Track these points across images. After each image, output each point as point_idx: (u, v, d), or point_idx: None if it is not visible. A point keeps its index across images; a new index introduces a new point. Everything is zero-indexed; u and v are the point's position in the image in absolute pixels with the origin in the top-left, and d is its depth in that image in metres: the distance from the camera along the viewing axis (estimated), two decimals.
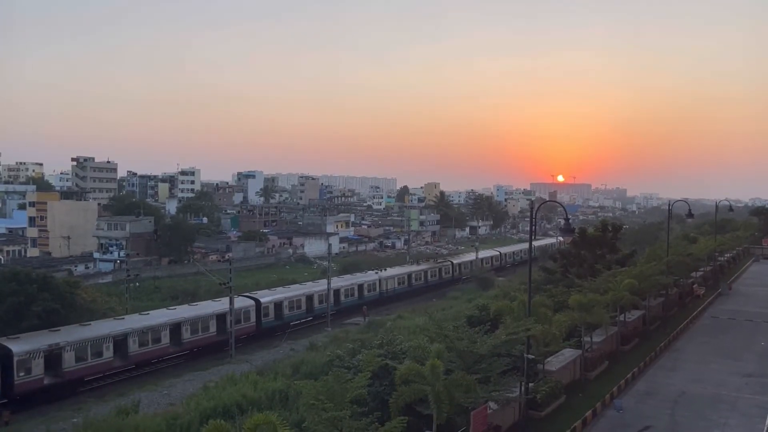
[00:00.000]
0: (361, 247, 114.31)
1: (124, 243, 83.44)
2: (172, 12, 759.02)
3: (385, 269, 68.22)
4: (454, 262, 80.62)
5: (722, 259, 69.10)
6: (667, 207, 52.97)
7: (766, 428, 20.16)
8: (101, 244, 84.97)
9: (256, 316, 48.41)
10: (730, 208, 75.82)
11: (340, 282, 59.78)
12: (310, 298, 54.49)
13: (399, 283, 67.49)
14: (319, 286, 56.97)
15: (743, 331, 40.95)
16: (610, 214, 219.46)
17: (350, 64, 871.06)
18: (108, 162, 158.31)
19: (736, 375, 30.79)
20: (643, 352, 34.08)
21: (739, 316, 45.32)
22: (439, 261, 79.19)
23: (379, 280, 64.37)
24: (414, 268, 72.74)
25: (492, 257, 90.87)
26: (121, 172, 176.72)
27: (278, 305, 51.03)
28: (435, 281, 74.11)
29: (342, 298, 58.46)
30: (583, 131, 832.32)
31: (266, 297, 50.87)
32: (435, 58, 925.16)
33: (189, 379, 37.93)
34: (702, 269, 58.68)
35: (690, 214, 51.14)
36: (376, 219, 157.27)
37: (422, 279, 71.86)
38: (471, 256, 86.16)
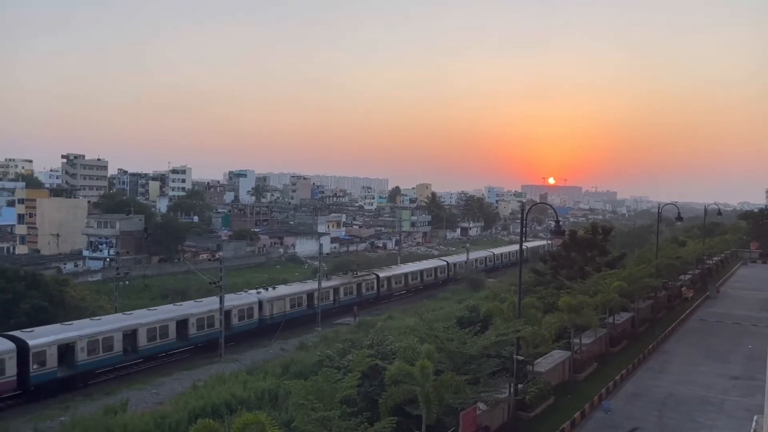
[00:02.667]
0: (353, 248, 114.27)
1: (114, 241, 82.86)
2: (163, 10, 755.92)
3: (274, 287, 54.29)
4: (381, 275, 66.21)
5: (710, 262, 69.57)
6: (657, 210, 53.29)
7: (752, 430, 20.29)
8: (91, 242, 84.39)
9: (20, 367, 33.40)
10: (719, 212, 76.49)
11: (190, 309, 45.08)
12: (131, 334, 39.67)
13: (294, 305, 53.00)
14: (156, 314, 42.71)
15: (731, 333, 41.24)
16: (601, 217, 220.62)
17: (342, 64, 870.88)
18: (98, 159, 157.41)
19: (724, 377, 31.01)
20: (631, 353, 34.26)
21: (727, 318, 45.63)
22: (359, 275, 63.72)
23: (260, 303, 49.72)
24: (324, 284, 57.49)
25: (437, 268, 76.93)
26: (112, 170, 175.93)
27: (68, 348, 36.19)
28: (350, 300, 60.18)
29: (193, 330, 43.90)
30: (574, 134, 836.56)
31: (44, 338, 35.27)
32: (427, 59, 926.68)
33: (178, 378, 37.78)
34: (690, 272, 59.09)
35: (679, 218, 51.46)
36: (368, 219, 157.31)
37: (330, 298, 57.64)
38: (406, 268, 73.45)
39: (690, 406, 26.57)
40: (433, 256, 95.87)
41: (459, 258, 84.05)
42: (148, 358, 41.33)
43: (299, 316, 53.16)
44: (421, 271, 73.69)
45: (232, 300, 47.64)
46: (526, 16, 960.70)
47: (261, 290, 52.08)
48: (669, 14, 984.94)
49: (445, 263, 78.74)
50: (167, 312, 43.51)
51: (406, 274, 70.71)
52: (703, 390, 28.85)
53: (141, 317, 41.48)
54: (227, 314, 46.04)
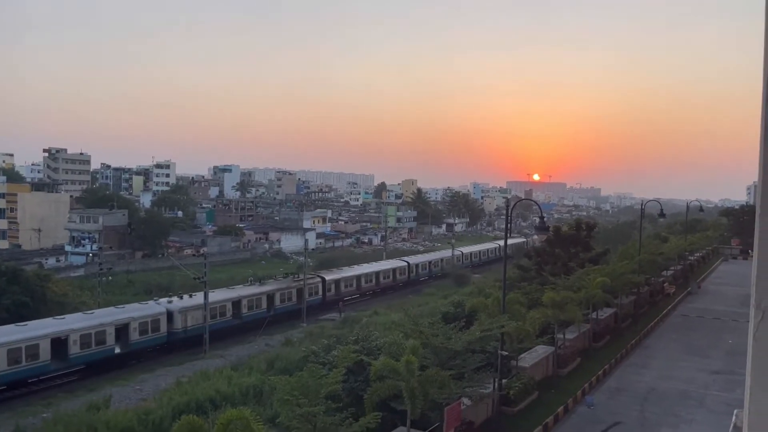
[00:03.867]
0: (338, 243, 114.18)
1: (96, 236, 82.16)
2: (149, 5, 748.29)
3: (191, 295, 46.57)
4: (327, 278, 59.58)
5: (692, 258, 70.38)
6: (640, 207, 53.80)
7: (732, 425, 20.59)
8: (73, 237, 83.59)
9: None
10: (701, 209, 77.42)
11: (73, 324, 38.01)
12: None
13: (215, 316, 46.28)
14: (24, 331, 35.53)
15: (711, 329, 41.77)
16: (585, 213, 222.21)
17: (328, 60, 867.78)
18: (81, 154, 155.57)
19: (704, 372, 31.41)
20: (614, 349, 34.60)
21: (708, 314, 46.19)
22: (299, 279, 55.81)
23: (169, 314, 43.68)
24: (250, 290, 51.42)
25: (395, 269, 70.25)
26: (95, 164, 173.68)
27: None
28: (289, 307, 53.67)
29: (75, 350, 37.43)
30: (559, 131, 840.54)
31: None
32: (413, 56, 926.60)
33: (162, 374, 37.58)
34: (672, 268, 59.75)
35: (662, 214, 52.02)
36: (354, 215, 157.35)
37: (263, 306, 51.31)
38: (359, 269, 66.57)
39: (671, 401, 26.90)
40: (418, 252, 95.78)
41: (421, 258, 78.75)
42: (11, 385, 34.50)
43: (222, 328, 46.52)
44: (377, 273, 67.27)
45: (132, 311, 42.00)
46: (511, 14, 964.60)
47: (174, 298, 45.87)
48: (652, 13, 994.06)
49: (405, 264, 72.47)
50: (39, 328, 36.63)
51: (358, 277, 64.01)
52: (684, 384, 29.21)
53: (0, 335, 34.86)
54: (124, 328, 40.56)
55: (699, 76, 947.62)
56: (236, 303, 49.25)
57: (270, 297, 52.40)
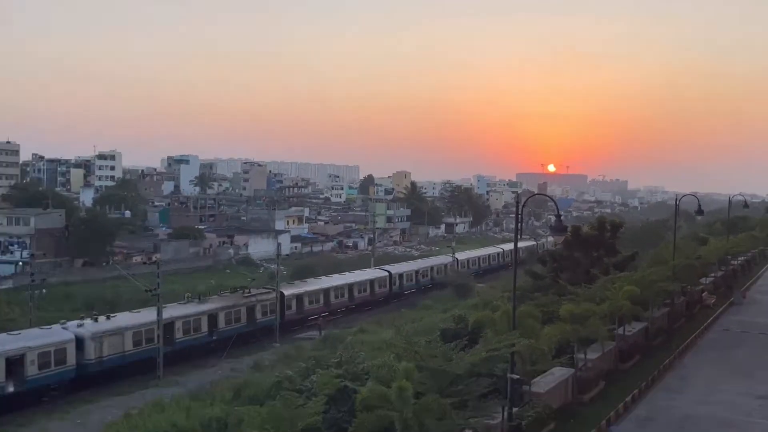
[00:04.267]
0: (317, 248, 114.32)
1: (27, 241, 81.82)
2: None
3: (109, 317, 44.72)
4: (287, 293, 58.53)
5: (735, 262, 70.91)
6: (674, 202, 54.14)
7: None
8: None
9: None
10: (745, 204, 77.79)
11: None
12: None
13: (139, 342, 44.38)
14: None
15: (758, 345, 42.08)
16: (609, 210, 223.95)
17: (302, 32, 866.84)
18: (8, 142, 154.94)
19: (749, 396, 31.66)
20: (644, 370, 34.79)
21: (754, 328, 46.54)
22: (251, 294, 55.55)
23: (79, 341, 41.12)
24: (186, 310, 49.78)
25: (373, 281, 69.86)
26: (25, 155, 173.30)
27: None
28: (237, 329, 52.42)
29: None
30: (578, 113, 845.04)
31: None
32: (406, 26, 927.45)
33: (107, 405, 37.55)
34: (712, 275, 60.12)
35: (700, 211, 52.41)
36: (336, 214, 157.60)
37: (203, 329, 49.84)
38: (328, 282, 65.44)
39: (710, 430, 27.12)
40: (412, 257, 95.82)
41: (406, 267, 78.90)
42: None
43: (148, 358, 44.19)
44: (350, 286, 66.49)
45: (28, 339, 39.26)
46: None
47: (87, 321, 43.30)
48: None
49: (386, 274, 72.20)
50: None
51: (326, 290, 63.31)
52: (725, 411, 29.43)
53: None
54: (19, 360, 37.75)
55: (745, 47, 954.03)
56: (168, 325, 46.57)
57: (212, 317, 50.89)
